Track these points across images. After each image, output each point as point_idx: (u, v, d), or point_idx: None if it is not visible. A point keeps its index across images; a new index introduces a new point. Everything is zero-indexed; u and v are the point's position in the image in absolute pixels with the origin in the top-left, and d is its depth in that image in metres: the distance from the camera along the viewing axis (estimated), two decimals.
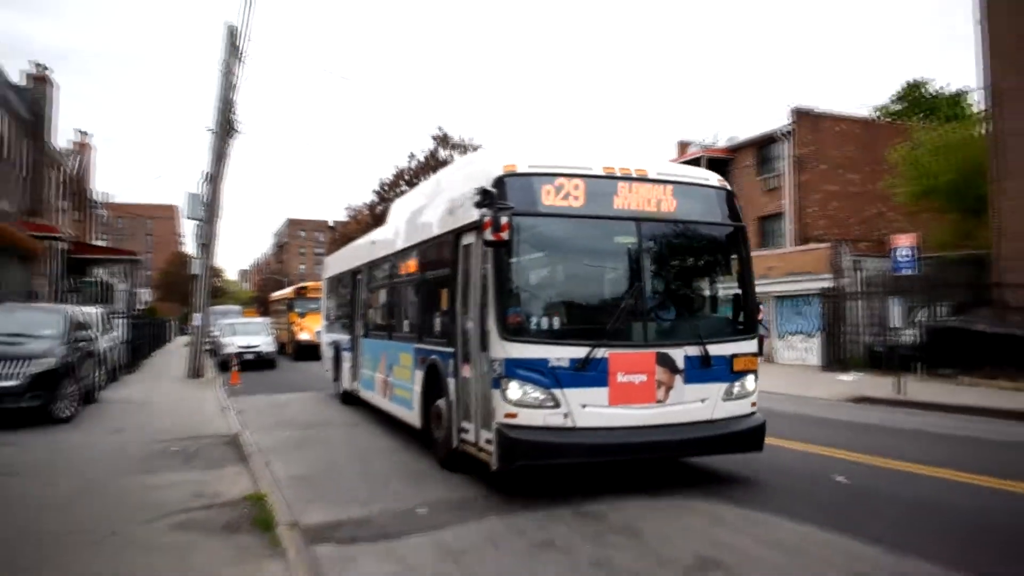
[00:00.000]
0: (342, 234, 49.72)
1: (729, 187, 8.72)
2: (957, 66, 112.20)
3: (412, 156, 44.22)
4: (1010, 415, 13.83)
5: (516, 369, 7.21)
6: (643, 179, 7.97)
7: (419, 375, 9.90)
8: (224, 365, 25.31)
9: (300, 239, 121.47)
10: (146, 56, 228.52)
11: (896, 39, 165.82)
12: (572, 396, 7.28)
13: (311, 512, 7.19)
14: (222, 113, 21.97)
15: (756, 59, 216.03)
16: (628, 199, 7.86)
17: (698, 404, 7.80)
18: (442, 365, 8.95)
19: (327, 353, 18.15)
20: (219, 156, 22.18)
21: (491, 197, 7.30)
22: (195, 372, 22.07)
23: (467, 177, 8.76)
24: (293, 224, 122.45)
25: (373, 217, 40.21)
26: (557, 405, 7.25)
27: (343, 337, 15.98)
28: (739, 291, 8.48)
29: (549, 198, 7.56)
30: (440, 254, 9.43)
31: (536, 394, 7.23)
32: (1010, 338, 18.84)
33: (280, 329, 35.40)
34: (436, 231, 9.62)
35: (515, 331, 7.30)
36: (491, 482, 8.06)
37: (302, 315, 32.12)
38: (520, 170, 7.66)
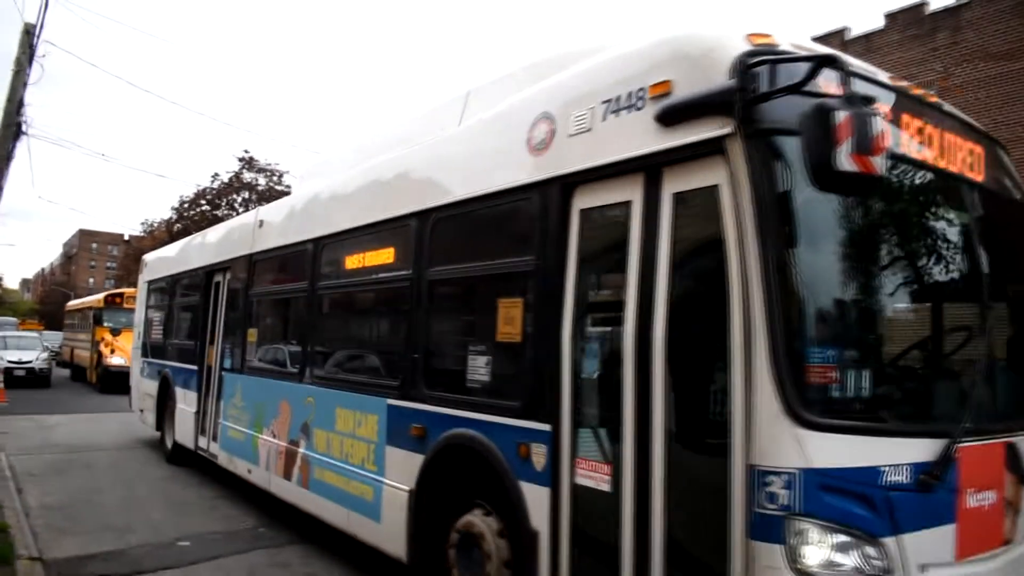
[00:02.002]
0: (137, 249, 46.18)
1: None
2: None
3: (216, 176, 42.07)
4: None
5: (825, 495, 3.12)
6: (939, 110, 4.12)
7: (408, 461, 5.19)
8: None
9: (92, 252, 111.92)
10: None
11: None
12: (911, 547, 3.26)
13: (61, 544, 6.48)
14: (9, 114, 20.06)
15: None
16: (933, 144, 3.89)
17: None
18: (497, 453, 4.43)
19: (143, 386, 12.78)
20: (3, 157, 20.17)
21: (820, 65, 3.15)
22: None
23: (615, 64, 4.14)
24: (85, 235, 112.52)
25: (170, 235, 37.54)
26: (889, 572, 3.19)
27: (182, 367, 10.81)
28: None
29: None
30: (489, 233, 5.13)
31: (856, 551, 3.16)
32: None
33: (79, 348, 28.16)
34: (482, 188, 4.92)
35: (824, 404, 3.23)
36: None
37: (116, 332, 23.64)
38: (782, 47, 3.52)
